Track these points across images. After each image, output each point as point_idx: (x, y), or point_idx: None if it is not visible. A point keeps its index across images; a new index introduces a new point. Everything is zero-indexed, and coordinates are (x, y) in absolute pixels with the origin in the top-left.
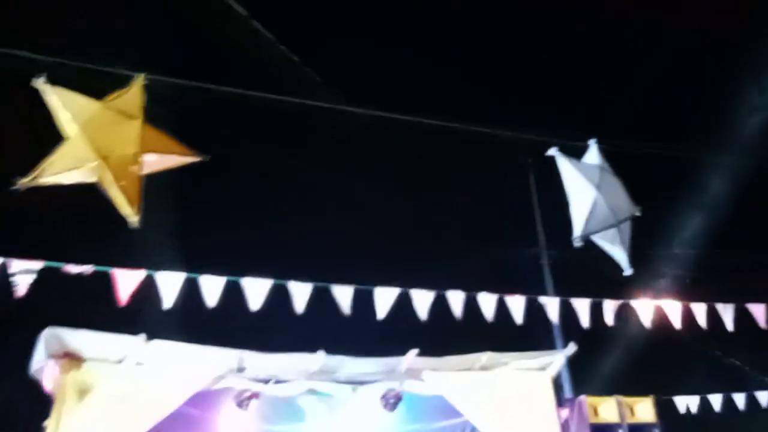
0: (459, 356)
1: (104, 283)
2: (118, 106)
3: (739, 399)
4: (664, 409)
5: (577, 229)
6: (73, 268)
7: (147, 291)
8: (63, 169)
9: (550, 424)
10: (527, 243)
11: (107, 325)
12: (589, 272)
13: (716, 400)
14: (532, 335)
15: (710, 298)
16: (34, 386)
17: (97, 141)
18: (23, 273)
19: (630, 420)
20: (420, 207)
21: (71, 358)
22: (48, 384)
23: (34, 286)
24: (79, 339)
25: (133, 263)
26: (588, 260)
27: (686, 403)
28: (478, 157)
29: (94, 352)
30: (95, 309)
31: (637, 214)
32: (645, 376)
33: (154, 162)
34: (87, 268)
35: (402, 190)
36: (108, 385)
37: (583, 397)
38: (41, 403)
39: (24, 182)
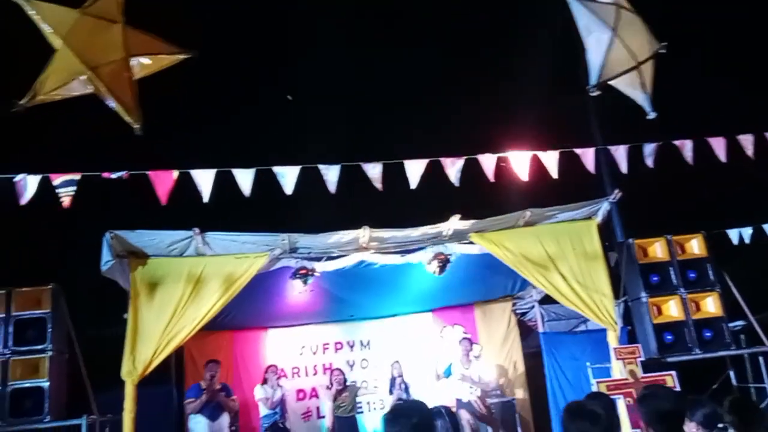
0: (502, 215)
1: (145, 186)
2: (96, 12)
3: None
4: (717, 243)
5: (594, 75)
6: (111, 175)
7: (185, 188)
8: (57, 84)
9: (599, 269)
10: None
11: (159, 223)
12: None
13: None
14: (579, 187)
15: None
16: (113, 283)
17: (83, 52)
18: (65, 185)
19: (681, 257)
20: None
21: (136, 256)
22: (121, 281)
23: (92, 195)
24: (139, 238)
25: (170, 163)
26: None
27: (739, 234)
28: None
29: (155, 249)
30: (144, 211)
31: (662, 51)
32: (699, 214)
33: (145, 65)
34: (123, 174)
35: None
36: (174, 276)
37: (631, 240)
38: (122, 297)
39: (22, 102)
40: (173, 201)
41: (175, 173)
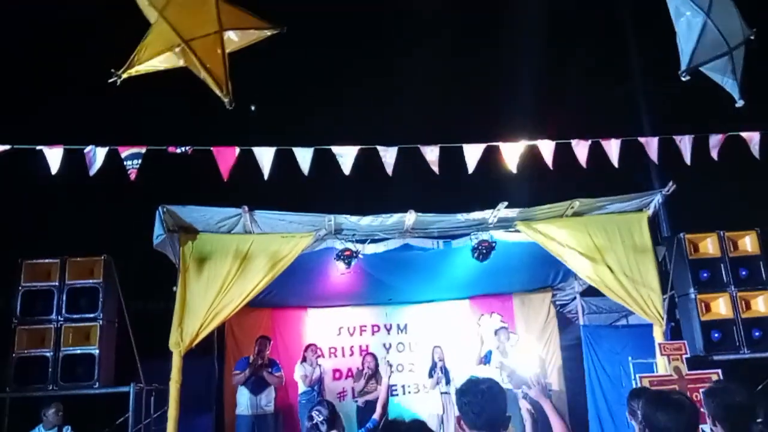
0: (550, 204)
1: (208, 162)
2: None
3: None
4: None
5: (685, 60)
6: (175, 149)
7: (246, 166)
8: (152, 55)
9: (648, 262)
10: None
11: (216, 199)
12: (692, 106)
13: None
14: (631, 178)
15: None
16: (162, 256)
17: (178, 24)
18: (132, 158)
19: (733, 254)
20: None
21: (187, 231)
22: (172, 255)
23: (146, 169)
24: (190, 213)
25: (231, 140)
26: (690, 94)
27: None
28: None
29: (205, 225)
30: (203, 186)
31: (751, 37)
32: (755, 210)
33: (235, 39)
34: (187, 149)
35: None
36: (222, 252)
37: (682, 234)
38: (170, 271)
39: (119, 73)
40: (229, 178)
41: (238, 150)
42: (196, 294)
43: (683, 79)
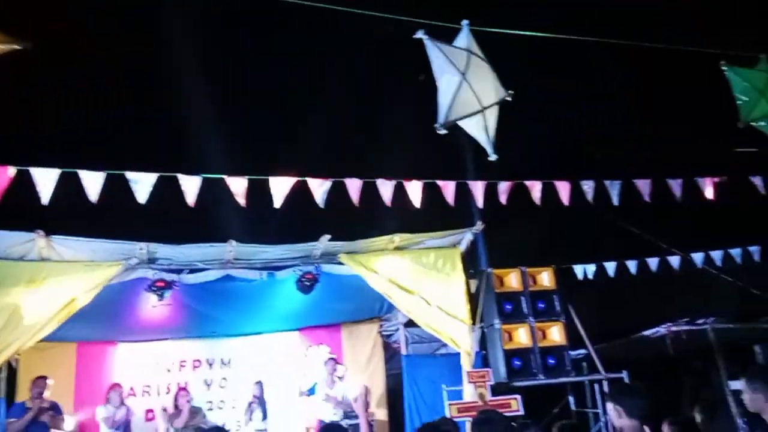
0: (373, 238)
1: None
2: None
3: (632, 265)
4: (564, 276)
5: (442, 114)
6: None
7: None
8: None
9: (459, 295)
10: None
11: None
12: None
13: (611, 267)
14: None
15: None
16: None
17: None
18: None
19: (532, 288)
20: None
21: None
22: None
23: None
24: None
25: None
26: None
27: (584, 270)
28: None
29: None
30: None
31: (507, 98)
32: (553, 249)
33: None
34: None
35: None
36: (11, 280)
37: (490, 269)
38: None
39: None
40: (13, 200)
41: (12, 170)
42: None
43: (440, 132)
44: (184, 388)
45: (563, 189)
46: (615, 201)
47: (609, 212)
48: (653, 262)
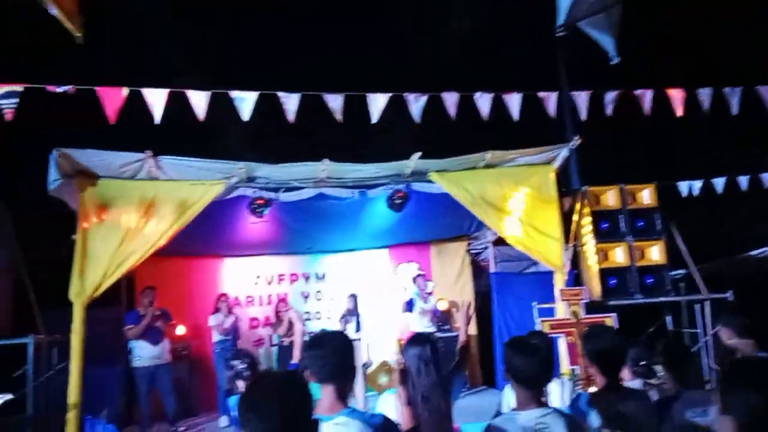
0: (464, 156)
1: (94, 103)
2: None
3: (743, 181)
4: (667, 194)
5: (562, 15)
6: (56, 89)
7: (135, 108)
8: None
9: (553, 213)
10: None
11: (107, 143)
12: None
13: (719, 184)
14: (540, 132)
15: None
16: (59, 204)
17: None
18: (7, 97)
19: (631, 206)
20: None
21: (85, 176)
22: (70, 201)
23: (37, 110)
24: (88, 158)
25: (120, 81)
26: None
27: (689, 186)
28: None
29: (105, 170)
30: (92, 129)
31: None
32: (654, 165)
33: None
34: (69, 88)
35: None
36: (125, 199)
37: (585, 187)
38: (70, 219)
39: None
40: (125, 120)
41: (125, 90)
42: (97, 242)
43: (558, 34)
44: (283, 300)
45: (677, 97)
46: (734, 110)
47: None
48: (767, 177)
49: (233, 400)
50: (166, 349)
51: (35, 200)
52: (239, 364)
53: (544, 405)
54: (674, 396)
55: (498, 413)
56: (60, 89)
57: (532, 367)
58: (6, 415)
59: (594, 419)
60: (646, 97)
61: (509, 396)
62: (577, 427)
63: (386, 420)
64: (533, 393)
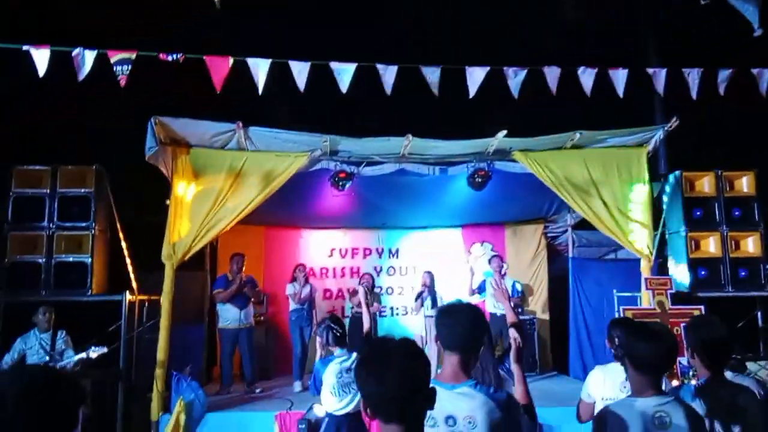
0: (550, 135)
1: (201, 73)
2: None
3: None
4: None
5: None
6: (166, 56)
7: (241, 78)
8: None
9: (643, 198)
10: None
11: (209, 112)
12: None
13: None
14: (634, 111)
15: None
16: (156, 169)
17: None
18: (122, 63)
19: (728, 194)
20: None
21: (179, 145)
22: (164, 168)
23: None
24: (183, 127)
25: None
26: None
27: None
28: None
29: (198, 139)
30: (197, 98)
31: None
32: (758, 150)
33: None
34: (179, 56)
35: None
36: (216, 167)
37: (679, 172)
38: (164, 184)
39: None
40: (223, 90)
41: (231, 60)
42: (188, 208)
43: (702, 2)
44: (367, 274)
45: None
46: None
47: None
48: None
49: (324, 363)
50: (250, 314)
51: (133, 165)
52: (334, 330)
53: (663, 393)
54: None
55: (580, 400)
56: (171, 57)
57: (657, 352)
58: (101, 367)
59: (699, 408)
60: (764, 76)
61: (597, 380)
62: (695, 417)
63: (510, 397)
64: (653, 379)
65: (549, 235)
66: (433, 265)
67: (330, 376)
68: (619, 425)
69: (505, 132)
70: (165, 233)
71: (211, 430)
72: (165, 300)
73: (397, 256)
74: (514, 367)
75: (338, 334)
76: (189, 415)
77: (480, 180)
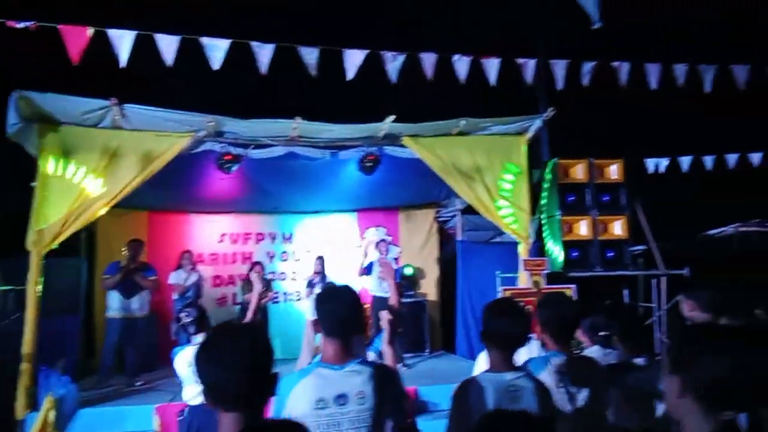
0: (437, 122)
1: (56, 43)
2: None
3: (708, 161)
4: (634, 170)
5: None
6: (16, 24)
7: (108, 53)
8: None
9: (522, 184)
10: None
11: (70, 87)
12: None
13: (686, 162)
14: (513, 101)
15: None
16: (18, 148)
17: None
18: None
19: (598, 180)
20: None
21: (46, 122)
22: (29, 147)
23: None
24: (51, 102)
25: (85, 20)
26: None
27: (655, 164)
28: None
29: (67, 116)
30: (54, 71)
31: None
32: (625, 140)
33: None
34: (30, 24)
35: None
36: (87, 147)
37: (556, 159)
38: (29, 164)
39: None
40: (90, 63)
41: (90, 30)
42: (57, 190)
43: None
44: (258, 263)
45: (653, 72)
46: (707, 87)
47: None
48: (732, 159)
49: (176, 352)
50: (141, 304)
51: None
52: (185, 318)
53: (516, 368)
54: (626, 362)
55: None
56: (20, 25)
57: (511, 327)
58: None
59: (548, 378)
60: (623, 69)
61: (483, 363)
62: (543, 390)
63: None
64: (507, 355)
65: (441, 219)
66: (328, 250)
67: (182, 364)
68: (478, 396)
69: (393, 117)
70: (29, 218)
71: (85, 426)
72: (31, 290)
73: (291, 241)
74: (386, 348)
75: (190, 320)
76: (59, 411)
77: (370, 164)
